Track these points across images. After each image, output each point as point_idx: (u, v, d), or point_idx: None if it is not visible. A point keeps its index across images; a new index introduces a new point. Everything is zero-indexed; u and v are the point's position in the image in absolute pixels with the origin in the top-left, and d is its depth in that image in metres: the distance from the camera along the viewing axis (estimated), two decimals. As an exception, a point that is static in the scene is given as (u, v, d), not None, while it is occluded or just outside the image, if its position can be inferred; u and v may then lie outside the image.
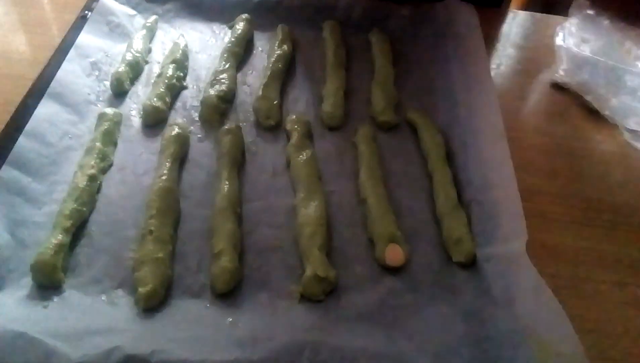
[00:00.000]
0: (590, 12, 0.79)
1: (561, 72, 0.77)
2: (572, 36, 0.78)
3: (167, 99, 0.69)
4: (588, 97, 0.74)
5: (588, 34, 0.77)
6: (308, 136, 0.66)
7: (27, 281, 0.51)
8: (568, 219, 0.61)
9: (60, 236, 0.52)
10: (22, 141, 0.59)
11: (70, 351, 0.43)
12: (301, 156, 0.62)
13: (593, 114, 0.73)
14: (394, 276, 0.53)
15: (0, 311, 0.47)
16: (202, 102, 0.69)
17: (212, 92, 0.69)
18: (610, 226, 0.60)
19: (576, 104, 0.74)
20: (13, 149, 0.58)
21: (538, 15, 0.88)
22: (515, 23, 0.87)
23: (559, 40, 0.78)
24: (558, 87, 0.77)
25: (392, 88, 0.73)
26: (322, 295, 0.51)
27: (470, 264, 0.54)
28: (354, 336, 0.48)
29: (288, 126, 0.66)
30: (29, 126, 0.61)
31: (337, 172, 0.63)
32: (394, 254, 0.53)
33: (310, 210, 0.56)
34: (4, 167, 0.56)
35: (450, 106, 0.70)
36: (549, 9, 0.93)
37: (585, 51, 0.76)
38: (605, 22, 0.78)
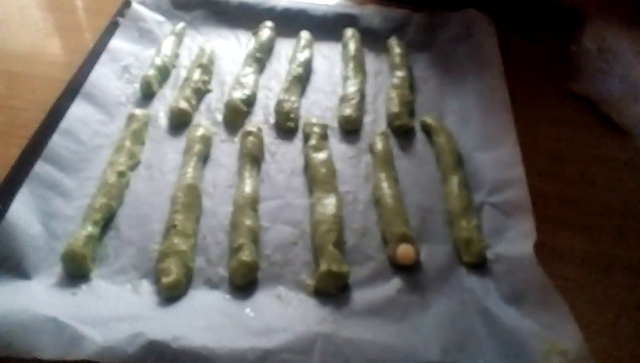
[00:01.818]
0: (607, 21, 0.80)
1: (576, 81, 0.78)
2: (588, 45, 0.79)
3: (193, 102, 0.72)
4: (602, 106, 0.75)
5: (604, 43, 0.78)
6: (325, 138, 0.68)
7: (58, 270, 0.54)
8: (579, 223, 0.62)
9: (89, 228, 0.55)
10: (56, 139, 0.62)
11: (96, 335, 0.46)
12: (318, 157, 0.64)
13: (607, 122, 0.74)
14: (405, 274, 0.55)
15: (32, 297, 0.50)
16: (226, 105, 0.72)
17: (235, 95, 0.72)
18: (621, 231, 0.61)
19: (590, 113, 0.75)
20: (47, 145, 0.61)
21: (555, 23, 0.89)
22: (533, 31, 0.88)
23: (575, 48, 0.79)
24: (573, 95, 0.78)
25: (408, 93, 0.74)
26: (335, 289, 0.53)
27: (480, 264, 0.56)
28: (365, 329, 0.50)
29: (306, 129, 0.69)
30: (62, 125, 0.64)
31: (352, 173, 0.65)
32: (406, 253, 0.55)
33: (325, 208, 0.58)
34: (38, 162, 0.59)
35: (464, 111, 0.71)
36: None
37: (601, 59, 0.77)
38: (623, 31, 0.79)
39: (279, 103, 0.72)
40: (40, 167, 0.59)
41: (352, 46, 0.81)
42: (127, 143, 0.65)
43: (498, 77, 0.72)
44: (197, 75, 0.75)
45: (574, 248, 0.59)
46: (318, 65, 0.81)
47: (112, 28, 0.80)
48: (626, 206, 0.64)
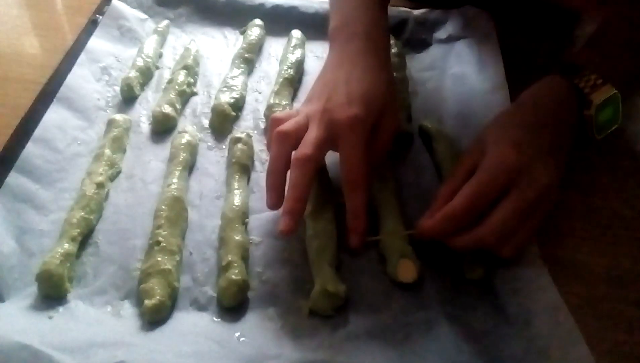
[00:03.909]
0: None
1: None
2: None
3: (177, 106, 0.68)
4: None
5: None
6: (319, 145, 0.65)
7: (33, 291, 0.50)
8: (585, 234, 0.59)
9: (66, 245, 0.52)
10: (30, 147, 0.59)
11: None
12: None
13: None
14: (405, 293, 0.52)
15: (5, 321, 0.46)
16: (213, 110, 0.68)
17: (222, 99, 0.68)
18: (629, 242, 0.58)
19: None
20: (21, 155, 0.57)
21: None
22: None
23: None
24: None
25: (405, 97, 0.71)
26: (332, 310, 0.50)
27: (484, 282, 0.53)
28: (364, 354, 0.47)
29: (299, 135, 0.65)
30: (37, 132, 0.60)
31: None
32: (406, 270, 0.52)
33: (319, 223, 0.55)
34: (11, 173, 0.56)
35: (464, 114, 0.68)
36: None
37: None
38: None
39: (269, 107, 0.68)
40: (14, 178, 0.56)
41: (345, 46, 0.77)
42: (107, 151, 0.61)
43: (499, 76, 0.69)
44: (181, 77, 0.71)
45: (581, 261, 0.56)
46: (310, 66, 0.77)
47: (91, 27, 0.76)
48: (635, 215, 0.61)
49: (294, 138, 0.54)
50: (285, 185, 0.53)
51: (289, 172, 0.53)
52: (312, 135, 0.53)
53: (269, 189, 0.54)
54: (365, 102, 0.54)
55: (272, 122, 0.57)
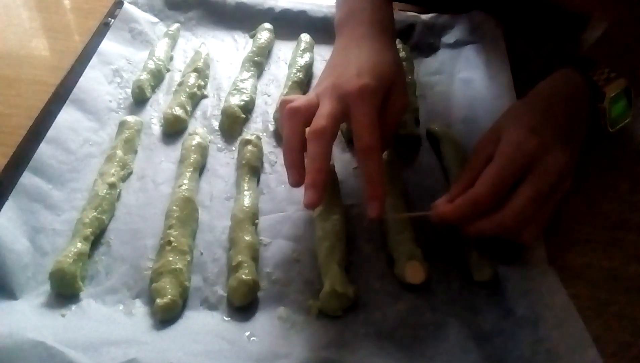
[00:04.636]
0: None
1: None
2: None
3: (188, 108, 0.69)
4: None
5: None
6: (328, 147, 0.65)
7: (46, 289, 0.51)
8: (592, 238, 0.59)
9: (79, 244, 0.52)
10: (44, 148, 0.59)
11: (87, 361, 0.43)
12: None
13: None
14: (413, 294, 0.52)
15: (19, 318, 0.47)
16: (223, 112, 0.68)
17: (232, 101, 0.69)
18: (635, 245, 0.58)
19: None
20: (34, 155, 0.58)
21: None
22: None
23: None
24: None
25: (413, 100, 0.72)
26: (340, 311, 0.50)
27: (493, 284, 0.53)
28: (373, 354, 0.47)
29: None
30: (50, 133, 0.61)
31: (356, 185, 0.62)
32: (415, 271, 0.52)
33: (329, 224, 0.55)
34: (25, 173, 0.56)
35: (471, 119, 0.69)
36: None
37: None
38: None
39: (278, 110, 0.68)
40: (27, 178, 0.56)
41: (354, 50, 0.78)
42: (119, 152, 0.61)
43: (506, 81, 0.69)
44: (192, 79, 0.71)
45: (586, 264, 0.57)
46: (319, 69, 0.77)
47: (103, 29, 0.77)
48: (641, 220, 0.61)
49: (305, 113, 0.53)
50: (303, 162, 0.52)
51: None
52: (324, 109, 0.52)
53: (289, 167, 0.53)
54: (375, 74, 0.54)
55: (282, 104, 0.56)
